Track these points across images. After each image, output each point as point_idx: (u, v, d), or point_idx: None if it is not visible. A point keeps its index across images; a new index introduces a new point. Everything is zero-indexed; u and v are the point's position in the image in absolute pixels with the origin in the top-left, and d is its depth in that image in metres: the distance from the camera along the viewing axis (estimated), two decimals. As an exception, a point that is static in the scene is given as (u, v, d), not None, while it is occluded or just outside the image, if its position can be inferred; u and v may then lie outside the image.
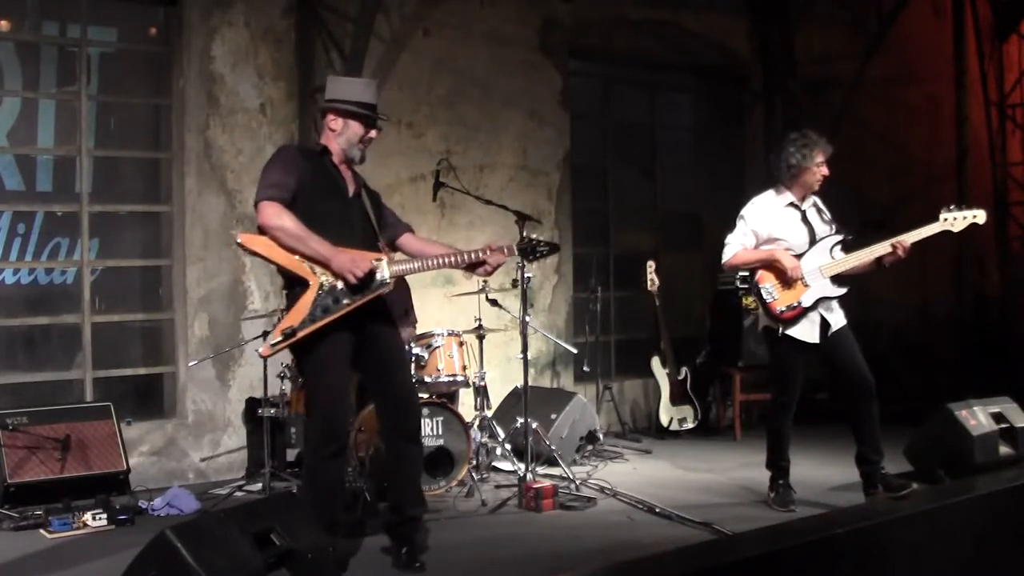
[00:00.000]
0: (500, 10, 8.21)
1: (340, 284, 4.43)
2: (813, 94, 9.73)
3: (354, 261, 4.41)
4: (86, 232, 6.65)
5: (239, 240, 4.54)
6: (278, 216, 4.38)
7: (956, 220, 5.53)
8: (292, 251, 4.42)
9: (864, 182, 9.75)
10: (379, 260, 4.53)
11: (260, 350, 4.64)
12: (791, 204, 5.73)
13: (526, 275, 6.18)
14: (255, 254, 4.54)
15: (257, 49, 7.07)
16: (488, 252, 4.62)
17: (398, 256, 4.76)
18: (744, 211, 5.79)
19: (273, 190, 4.42)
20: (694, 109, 9.97)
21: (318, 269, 4.43)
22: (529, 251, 4.79)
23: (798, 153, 5.65)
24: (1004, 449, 6.32)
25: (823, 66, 9.76)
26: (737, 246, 5.73)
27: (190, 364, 6.70)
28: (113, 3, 6.78)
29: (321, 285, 4.43)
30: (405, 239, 4.86)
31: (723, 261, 5.80)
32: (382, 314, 4.65)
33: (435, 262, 4.70)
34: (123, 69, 6.94)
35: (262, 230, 4.43)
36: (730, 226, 5.83)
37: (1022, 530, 4.38)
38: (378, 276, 4.51)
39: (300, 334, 4.38)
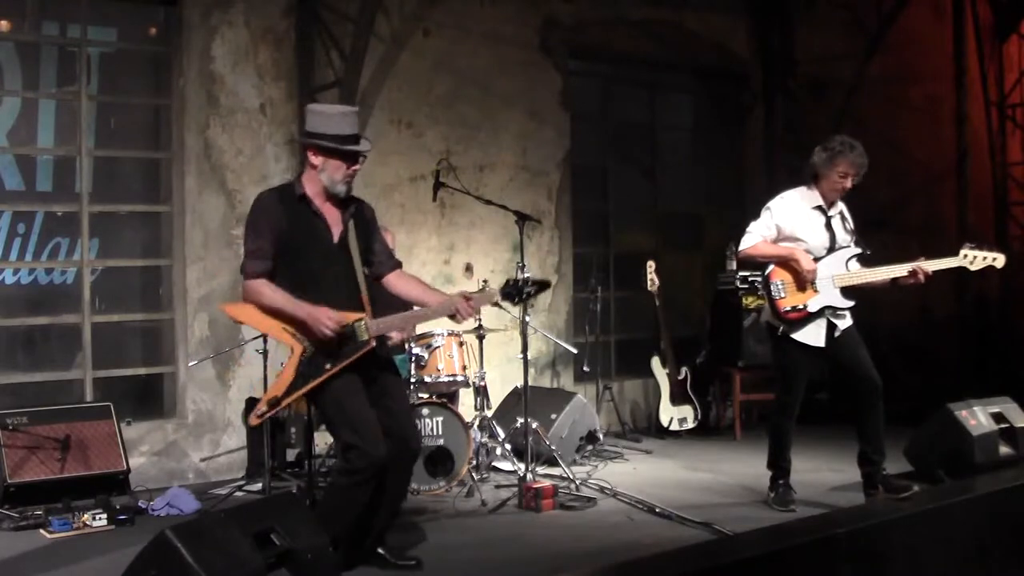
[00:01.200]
0: (500, 10, 8.20)
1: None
2: (813, 94, 9.73)
3: (319, 320, 4.36)
4: (86, 232, 6.65)
5: (225, 310, 4.73)
6: (256, 295, 4.46)
7: (976, 259, 5.53)
8: (276, 317, 4.46)
9: (864, 182, 9.72)
10: (359, 321, 4.47)
11: (249, 420, 4.71)
12: (818, 207, 5.69)
13: (526, 275, 6.16)
14: (241, 323, 4.63)
15: (257, 49, 7.07)
16: (462, 302, 4.52)
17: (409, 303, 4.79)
18: (772, 203, 5.73)
19: (251, 264, 4.47)
20: (694, 109, 9.96)
21: (300, 336, 4.44)
22: (515, 294, 4.61)
23: (821, 154, 5.61)
24: (1004, 449, 6.32)
25: (823, 66, 9.75)
26: (758, 236, 5.67)
27: (190, 364, 6.70)
28: (113, 3, 6.78)
29: (304, 351, 4.44)
30: (390, 279, 4.75)
31: (741, 248, 5.72)
32: (377, 361, 4.59)
33: (414, 318, 4.73)
34: (123, 69, 6.94)
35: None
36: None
37: (1022, 530, 4.38)
38: (359, 337, 4.46)
39: (284, 403, 4.47)
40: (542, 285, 4.72)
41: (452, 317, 4.61)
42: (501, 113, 8.23)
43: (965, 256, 5.53)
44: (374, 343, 4.49)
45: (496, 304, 4.45)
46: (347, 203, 4.61)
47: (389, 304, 6.44)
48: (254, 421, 4.56)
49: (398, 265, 4.82)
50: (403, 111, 7.70)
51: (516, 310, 6.41)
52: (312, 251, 4.49)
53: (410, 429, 4.71)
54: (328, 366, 4.43)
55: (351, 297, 4.52)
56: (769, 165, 9.67)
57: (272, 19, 7.12)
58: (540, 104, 8.46)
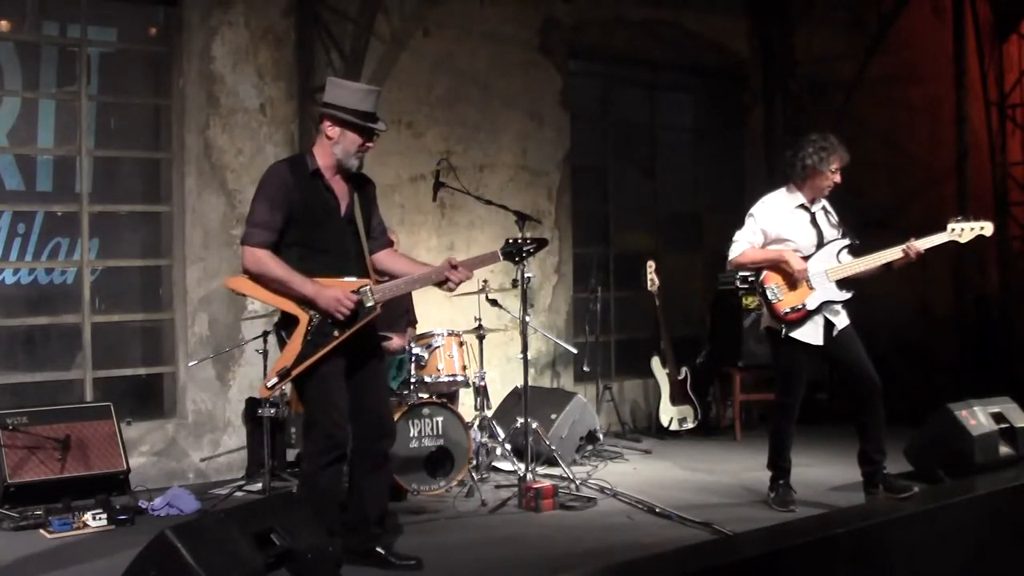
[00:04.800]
0: (500, 10, 8.21)
1: (329, 318, 4.46)
2: (813, 94, 9.73)
3: (339, 300, 4.41)
4: (86, 232, 6.65)
5: (226, 284, 4.71)
6: (259, 264, 4.44)
7: (963, 231, 5.53)
8: (278, 293, 4.48)
9: (864, 182, 9.70)
10: (364, 287, 4.52)
11: (259, 391, 4.74)
12: (801, 206, 5.70)
13: (526, 275, 6.18)
14: (243, 295, 4.61)
15: (257, 49, 7.07)
16: (452, 271, 4.58)
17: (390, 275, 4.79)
18: (754, 209, 5.75)
19: (258, 233, 4.46)
20: (694, 109, 9.96)
21: (306, 305, 4.46)
22: (515, 253, 4.68)
23: (816, 155, 5.59)
24: (1004, 449, 6.32)
25: (823, 66, 9.75)
26: (745, 244, 5.70)
27: (190, 364, 6.70)
28: (113, 3, 6.78)
29: (310, 320, 4.45)
30: (381, 256, 4.77)
31: (730, 258, 5.76)
32: (370, 337, 4.66)
33: (412, 283, 4.68)
34: (123, 69, 6.94)
35: (247, 274, 4.51)
36: (730, 226, 5.81)
37: (1022, 530, 4.38)
38: (365, 303, 4.51)
39: (295, 372, 4.46)
40: (540, 243, 4.76)
41: (442, 284, 4.65)
42: (501, 113, 8.23)
43: (953, 230, 5.54)
44: (380, 309, 4.55)
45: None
46: (353, 176, 4.68)
47: (389, 311, 6.47)
48: (265, 393, 4.58)
49: (390, 243, 4.91)
50: (403, 111, 7.70)
51: (516, 310, 6.41)
52: (324, 223, 4.54)
53: (384, 429, 4.73)
54: (336, 332, 4.46)
55: (358, 266, 4.59)
56: (769, 165, 9.67)
57: (272, 19, 7.12)
58: (540, 104, 8.46)
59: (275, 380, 4.48)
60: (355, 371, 4.60)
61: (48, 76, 6.63)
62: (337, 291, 4.43)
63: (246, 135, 7.03)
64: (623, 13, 8.91)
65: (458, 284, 4.65)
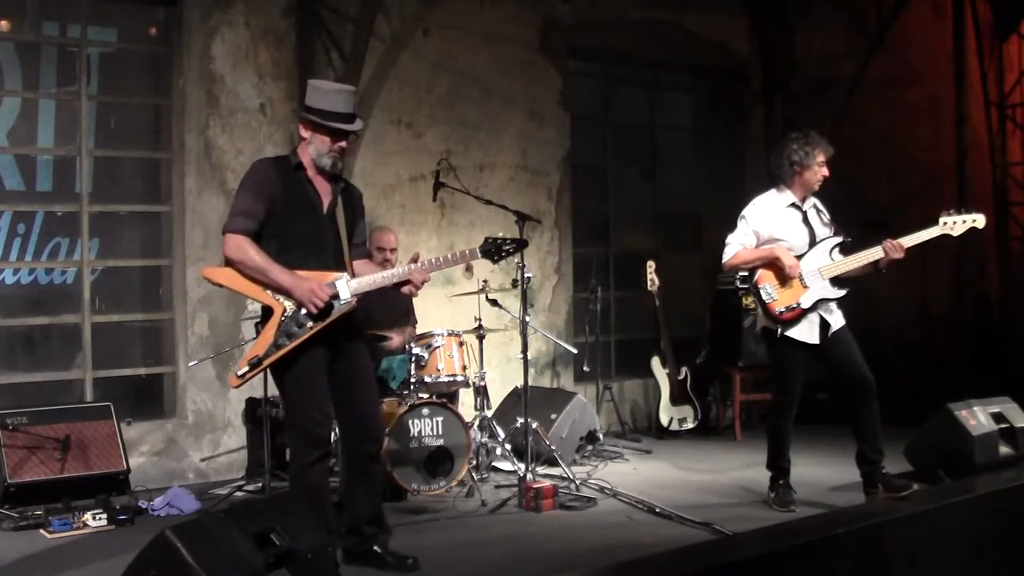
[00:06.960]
0: (500, 10, 8.21)
1: (303, 309, 4.48)
2: (813, 94, 9.74)
3: (313, 292, 4.44)
4: (86, 232, 6.66)
5: (202, 273, 4.73)
6: (240, 250, 4.47)
7: (956, 224, 5.52)
8: (256, 281, 4.50)
9: (864, 182, 9.76)
10: (340, 280, 4.54)
11: (228, 381, 4.71)
12: (792, 205, 5.72)
13: (526, 275, 6.18)
14: (220, 285, 4.61)
15: (257, 49, 7.07)
16: (415, 273, 4.59)
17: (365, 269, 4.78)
18: (746, 211, 5.77)
19: (239, 220, 4.50)
20: (694, 109, 9.96)
21: (281, 296, 4.49)
22: (494, 252, 4.72)
23: (800, 151, 5.63)
24: (1004, 449, 6.32)
25: (823, 66, 9.76)
26: (738, 246, 5.72)
27: (190, 364, 6.70)
28: (113, 3, 6.79)
29: (284, 311, 4.48)
30: (356, 264, 4.77)
31: (724, 261, 5.79)
32: (350, 330, 4.66)
33: (385, 279, 4.63)
34: (123, 69, 6.94)
35: (227, 260, 4.53)
36: (730, 226, 5.82)
37: (1022, 530, 4.38)
38: (341, 297, 4.53)
39: (266, 362, 4.46)
40: (520, 243, 4.81)
41: (403, 285, 4.65)
42: (501, 113, 8.23)
43: (945, 223, 5.53)
44: (355, 302, 4.55)
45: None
46: (338, 180, 4.74)
47: (389, 310, 6.48)
48: (234, 382, 4.53)
49: (367, 255, 4.99)
50: (403, 111, 7.70)
51: (516, 310, 6.41)
52: (303, 216, 4.59)
53: (369, 431, 4.72)
54: (311, 324, 4.47)
55: (336, 260, 4.63)
56: (769, 164, 9.67)
57: (272, 19, 7.12)
58: (540, 104, 8.46)
59: (245, 369, 4.47)
60: (339, 369, 4.61)
61: (48, 76, 6.63)
62: (313, 284, 4.46)
63: (246, 135, 7.03)
64: (623, 13, 8.91)
65: (418, 287, 4.67)
